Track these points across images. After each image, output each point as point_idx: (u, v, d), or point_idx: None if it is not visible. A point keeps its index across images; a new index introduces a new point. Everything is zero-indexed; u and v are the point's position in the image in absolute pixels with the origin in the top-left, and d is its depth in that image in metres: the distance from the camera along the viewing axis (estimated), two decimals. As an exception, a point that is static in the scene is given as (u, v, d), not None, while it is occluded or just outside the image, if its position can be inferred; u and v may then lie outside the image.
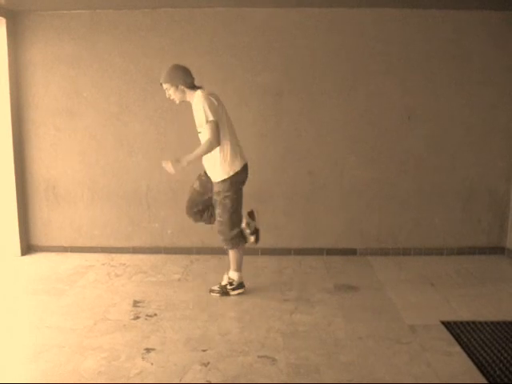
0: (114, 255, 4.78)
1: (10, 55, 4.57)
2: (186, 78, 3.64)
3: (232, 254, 3.87)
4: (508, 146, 4.74)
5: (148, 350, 3.01)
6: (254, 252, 4.83)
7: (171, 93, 3.65)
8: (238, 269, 3.90)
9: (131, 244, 4.85)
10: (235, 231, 3.78)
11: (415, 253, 4.83)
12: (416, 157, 4.75)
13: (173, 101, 3.71)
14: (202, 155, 3.58)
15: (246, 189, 4.74)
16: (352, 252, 4.86)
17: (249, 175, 4.75)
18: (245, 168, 3.75)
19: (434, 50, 4.60)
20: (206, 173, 3.82)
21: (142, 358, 2.93)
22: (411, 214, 4.82)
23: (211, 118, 3.51)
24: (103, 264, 4.59)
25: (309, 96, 4.68)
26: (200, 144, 3.62)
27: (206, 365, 2.85)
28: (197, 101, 3.58)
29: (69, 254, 4.85)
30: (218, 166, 3.65)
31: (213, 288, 3.93)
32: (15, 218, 4.76)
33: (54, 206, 4.88)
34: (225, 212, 3.72)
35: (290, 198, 4.81)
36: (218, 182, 3.70)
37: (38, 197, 4.87)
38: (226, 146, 3.64)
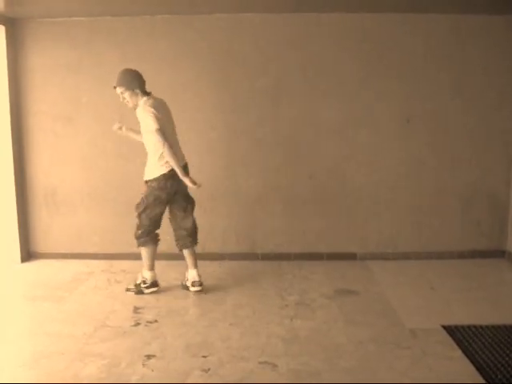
0: (113, 261, 4.77)
1: (9, 62, 4.58)
2: (141, 83, 3.76)
3: (142, 252, 4.06)
4: (508, 150, 4.74)
5: (148, 357, 3.01)
6: (253, 257, 4.84)
7: (126, 96, 3.74)
8: (149, 268, 4.05)
9: (131, 250, 4.81)
10: (141, 230, 3.96)
11: (415, 257, 4.82)
12: (416, 160, 4.75)
13: (127, 104, 3.80)
14: (175, 162, 3.74)
15: (247, 193, 4.77)
16: (352, 256, 4.85)
17: (249, 180, 4.79)
18: (166, 176, 3.83)
19: (434, 54, 4.60)
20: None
21: (143, 364, 2.92)
22: (411, 218, 4.82)
23: (157, 126, 3.66)
24: (103, 270, 4.58)
25: (308, 101, 4.68)
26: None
27: (206, 371, 2.84)
28: (143, 110, 3.71)
29: (69, 261, 4.83)
30: (151, 166, 3.85)
31: (129, 287, 4.06)
32: (15, 224, 4.76)
33: (53, 212, 4.87)
34: (138, 209, 3.93)
35: (290, 202, 4.81)
36: (146, 182, 3.89)
37: (38, 203, 4.87)
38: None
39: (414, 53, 4.62)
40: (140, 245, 4.02)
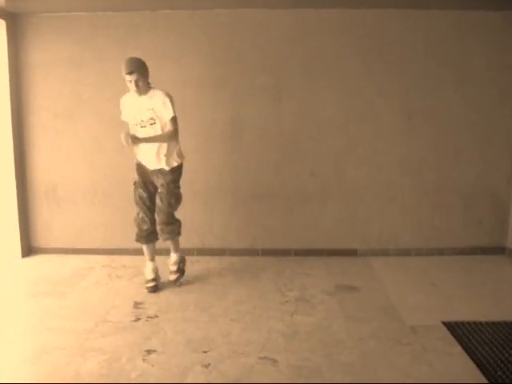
0: (114, 257, 4.78)
1: (10, 57, 4.57)
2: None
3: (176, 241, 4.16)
4: (509, 146, 4.73)
5: (149, 352, 3.01)
6: (254, 253, 4.84)
7: (140, 83, 3.71)
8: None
9: (132, 245, 4.82)
10: (179, 222, 4.09)
11: (416, 253, 4.82)
12: (417, 157, 4.74)
13: (138, 91, 3.75)
14: (159, 141, 3.82)
15: (248, 188, 4.78)
16: (353, 252, 4.86)
17: (250, 176, 4.78)
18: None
19: (435, 50, 4.59)
20: (142, 173, 3.97)
21: (143, 359, 2.93)
22: (412, 214, 4.82)
23: (174, 114, 3.79)
24: (104, 266, 4.59)
25: (309, 97, 4.68)
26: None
27: (207, 366, 2.85)
28: (163, 96, 3.77)
29: (69, 256, 4.85)
30: (173, 154, 3.91)
31: (175, 278, 4.13)
32: (16, 220, 4.76)
33: (54, 208, 4.88)
34: (177, 201, 3.98)
35: (291, 198, 4.81)
36: (168, 171, 3.89)
37: (39, 199, 4.87)
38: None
39: (415, 49, 4.60)
40: (179, 235, 4.12)
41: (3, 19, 4.48)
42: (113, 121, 4.72)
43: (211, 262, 4.67)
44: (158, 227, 3.98)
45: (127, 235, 4.84)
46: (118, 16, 4.59)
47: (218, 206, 4.82)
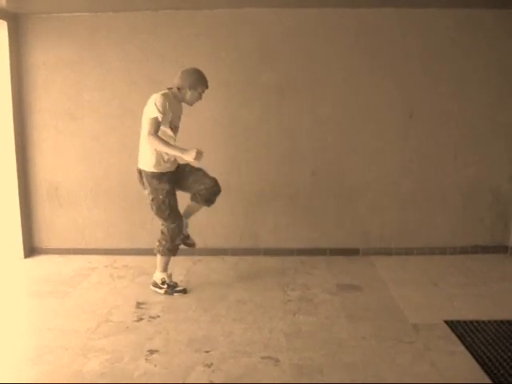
0: (116, 257, 4.78)
1: (11, 58, 4.57)
2: None
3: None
4: (510, 144, 4.72)
5: (151, 352, 3.02)
6: (256, 252, 4.84)
7: None
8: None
9: (134, 246, 4.85)
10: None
11: (418, 252, 4.82)
12: (418, 156, 4.74)
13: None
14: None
15: (250, 188, 4.79)
16: (355, 252, 4.86)
17: (252, 176, 4.77)
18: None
19: (435, 49, 4.59)
20: (171, 179, 3.83)
21: (146, 359, 2.93)
22: (414, 213, 4.81)
23: None
24: (106, 266, 4.59)
25: (311, 96, 4.68)
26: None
27: (209, 366, 2.85)
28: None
29: (72, 256, 4.85)
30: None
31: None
32: (18, 220, 4.77)
33: (56, 208, 4.88)
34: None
35: (293, 198, 4.81)
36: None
37: (41, 199, 4.88)
38: None
39: (415, 47, 4.59)
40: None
41: (5, 20, 4.48)
42: (114, 121, 4.75)
43: (213, 262, 4.67)
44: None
45: (129, 235, 4.87)
46: (120, 16, 4.59)
47: (220, 206, 4.80)
